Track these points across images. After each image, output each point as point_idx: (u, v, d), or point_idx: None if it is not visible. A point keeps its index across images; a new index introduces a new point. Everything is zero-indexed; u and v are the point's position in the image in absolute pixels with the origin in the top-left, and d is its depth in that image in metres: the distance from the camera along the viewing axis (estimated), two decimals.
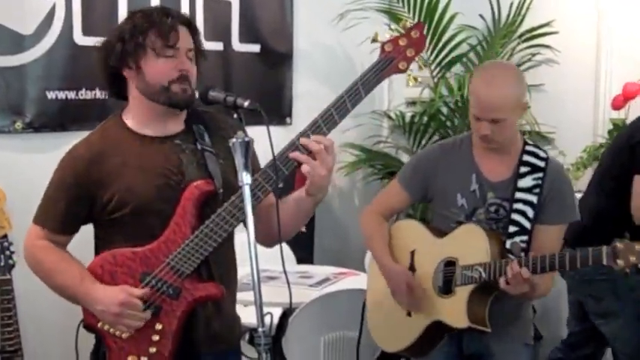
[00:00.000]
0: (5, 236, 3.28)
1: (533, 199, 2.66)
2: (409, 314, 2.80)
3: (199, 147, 2.20)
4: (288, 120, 4.73)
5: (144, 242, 2.14)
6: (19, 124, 3.65)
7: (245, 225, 2.12)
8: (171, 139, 2.21)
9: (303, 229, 4.78)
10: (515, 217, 2.67)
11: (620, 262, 2.35)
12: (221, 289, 2.15)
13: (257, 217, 2.12)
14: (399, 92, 5.14)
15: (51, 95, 3.73)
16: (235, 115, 2.00)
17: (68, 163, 2.21)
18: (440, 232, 2.78)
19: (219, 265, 2.19)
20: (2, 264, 3.24)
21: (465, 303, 2.62)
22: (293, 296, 3.28)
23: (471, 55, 4.89)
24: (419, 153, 3.11)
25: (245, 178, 1.90)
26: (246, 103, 2.01)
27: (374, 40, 2.16)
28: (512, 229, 2.67)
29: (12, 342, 3.24)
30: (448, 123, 4.67)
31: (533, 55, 4.90)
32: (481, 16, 5.08)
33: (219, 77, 4.42)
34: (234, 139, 1.92)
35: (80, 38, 3.78)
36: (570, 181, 2.81)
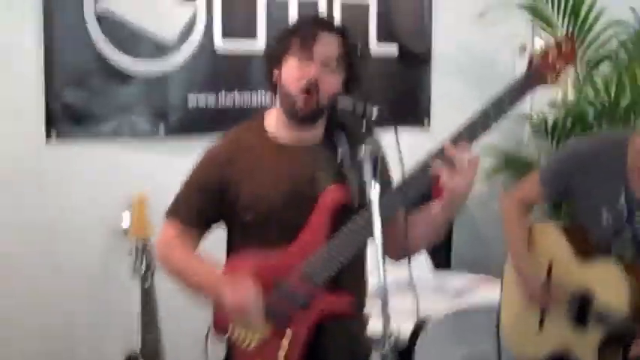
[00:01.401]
0: (147, 242, 3.36)
1: None
2: (541, 327, 2.66)
3: (339, 157, 2.16)
4: (425, 122, 4.62)
5: (272, 248, 2.12)
6: (162, 129, 3.73)
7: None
8: (308, 149, 2.19)
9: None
10: None
11: None
12: (351, 303, 2.12)
13: (391, 230, 2.10)
14: (542, 92, 4.93)
15: (192, 101, 3.79)
16: (365, 125, 1.96)
17: (204, 160, 2.25)
18: (581, 249, 2.61)
19: (349, 276, 2.14)
20: (144, 270, 3.31)
21: (597, 345, 2.49)
22: (429, 308, 3.30)
23: (621, 52, 4.62)
24: (565, 149, 2.88)
25: (373, 192, 1.88)
26: (375, 113, 1.96)
27: (522, 50, 2.07)
28: None
29: (152, 348, 3.31)
30: (595, 127, 4.43)
31: None
32: (632, 8, 4.79)
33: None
34: (363, 152, 1.90)
35: (220, 44, 3.82)
36: None
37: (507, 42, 4.55)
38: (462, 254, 4.64)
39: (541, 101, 4.81)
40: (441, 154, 1.99)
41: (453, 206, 2.05)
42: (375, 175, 1.89)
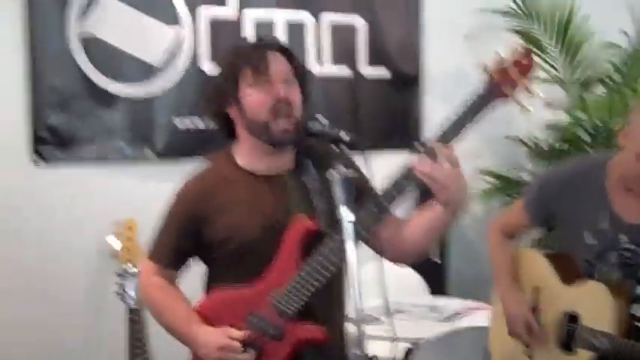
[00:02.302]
0: (136, 266, 3.32)
1: None
2: (530, 357, 2.62)
3: (308, 185, 2.14)
4: (416, 144, 4.58)
5: (249, 279, 2.10)
6: (149, 153, 3.70)
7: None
8: (280, 177, 2.16)
9: (438, 260, 4.66)
10: None
11: None
12: (324, 332, 2.08)
13: (384, 237, 2.09)
14: (538, 115, 4.91)
15: (180, 124, 3.76)
16: (337, 149, 1.94)
17: (179, 197, 2.21)
18: (566, 274, 2.56)
19: (323, 303, 2.10)
20: (134, 296, 3.27)
21: None
22: (421, 330, 3.27)
23: (615, 75, 4.60)
24: (547, 172, 2.84)
25: (345, 215, 1.84)
26: (346, 137, 1.94)
27: (485, 70, 2.03)
28: None
29: None
30: (590, 149, 4.39)
31: None
32: (625, 32, 4.79)
33: (347, 102, 4.36)
34: (333, 173, 1.86)
35: (208, 66, 3.80)
36: None
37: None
38: (459, 279, 4.59)
39: (537, 123, 4.82)
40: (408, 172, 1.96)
41: (446, 198, 1.97)
42: (346, 200, 1.86)
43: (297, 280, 2.04)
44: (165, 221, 2.23)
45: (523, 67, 1.97)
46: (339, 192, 1.86)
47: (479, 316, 3.57)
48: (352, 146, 1.97)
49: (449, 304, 3.84)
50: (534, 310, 2.63)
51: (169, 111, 3.75)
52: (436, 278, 4.45)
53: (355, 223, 1.86)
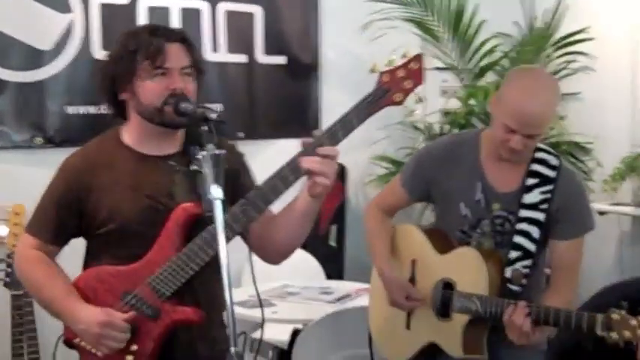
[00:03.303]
0: None
1: (540, 216, 2.49)
2: (408, 327, 2.69)
3: (192, 168, 2.14)
4: (315, 132, 4.63)
5: (128, 262, 2.10)
6: (38, 140, 3.66)
7: (244, 240, 2.12)
8: (166, 160, 2.17)
9: (333, 244, 4.73)
10: (518, 239, 2.51)
11: (613, 335, 2.19)
12: (200, 314, 2.09)
13: (256, 235, 2.12)
14: (434, 102, 5.03)
15: (71, 110, 3.73)
16: (206, 128, 1.92)
17: (61, 173, 2.20)
18: (442, 245, 2.64)
19: (204, 288, 2.13)
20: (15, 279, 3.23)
21: (461, 331, 2.51)
22: (310, 312, 3.33)
23: (505, 62, 4.74)
24: (422, 150, 2.86)
25: (214, 192, 1.84)
26: (213, 115, 1.94)
27: (372, 71, 2.05)
28: (513, 254, 2.51)
29: (24, 358, 3.23)
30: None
31: (569, 62, 4.73)
32: (516, 23, 4.94)
33: (244, 90, 4.39)
34: (203, 152, 1.87)
35: (99, 52, 3.78)
36: (585, 190, 2.62)
37: (395, 53, 4.61)
38: (355, 263, 4.67)
39: (433, 109, 4.93)
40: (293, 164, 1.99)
41: (322, 194, 2.02)
42: (216, 178, 1.86)
43: (175, 262, 2.05)
44: (46, 195, 2.20)
45: (412, 72, 2.00)
46: (207, 171, 1.86)
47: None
48: (224, 127, 1.95)
49: (340, 286, 3.92)
50: (412, 281, 2.70)
51: (60, 97, 3.72)
52: (332, 263, 4.53)
53: (225, 221, 1.86)
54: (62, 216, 2.17)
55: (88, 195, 2.13)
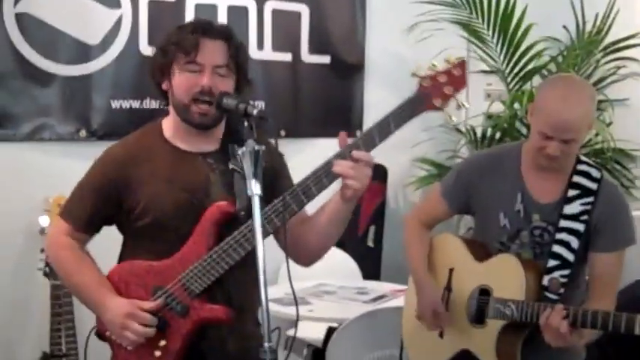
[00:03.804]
0: None
1: (580, 227, 2.47)
2: (441, 335, 2.68)
3: (230, 167, 2.15)
4: (358, 133, 4.64)
5: (162, 257, 2.12)
6: (83, 133, 3.72)
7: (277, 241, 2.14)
8: (204, 157, 2.19)
9: (371, 244, 4.72)
10: (557, 249, 2.49)
11: None
12: (229, 313, 2.10)
13: (290, 236, 2.08)
14: (478, 105, 5.00)
15: (115, 104, 3.78)
16: (246, 124, 1.93)
17: (101, 162, 2.23)
18: (480, 254, 2.63)
19: (237, 286, 2.14)
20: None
21: (495, 338, 2.49)
22: (346, 311, 3.33)
23: (552, 67, 4.68)
24: (464, 161, 2.90)
25: (254, 188, 1.84)
26: (255, 111, 1.94)
27: (414, 75, 2.03)
28: (551, 263, 2.49)
29: (62, 347, 3.29)
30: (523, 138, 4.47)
31: (618, 68, 4.66)
32: (565, 27, 4.88)
33: (288, 89, 4.41)
34: (243, 148, 1.87)
35: (146, 48, 3.82)
36: (626, 203, 2.58)
37: (441, 55, 4.58)
38: (392, 264, 4.65)
39: (477, 112, 4.89)
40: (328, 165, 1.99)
41: (354, 198, 2.03)
42: (256, 174, 1.86)
43: (206, 260, 2.07)
44: (83, 182, 2.24)
45: (454, 78, 1.99)
46: (247, 167, 1.86)
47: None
48: (265, 123, 1.96)
49: (376, 287, 3.91)
50: (448, 290, 2.69)
51: (106, 91, 3.77)
52: (370, 264, 4.52)
53: (265, 213, 1.89)
54: (98, 205, 2.19)
55: (126, 187, 2.15)
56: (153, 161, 2.17)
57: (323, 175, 1.99)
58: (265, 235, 1.99)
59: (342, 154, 1.98)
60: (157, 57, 2.18)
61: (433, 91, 1.98)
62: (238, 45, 2.18)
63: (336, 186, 2.04)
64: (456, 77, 2.00)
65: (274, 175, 2.18)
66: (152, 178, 2.15)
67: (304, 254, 2.22)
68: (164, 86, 2.18)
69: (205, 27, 2.15)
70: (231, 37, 2.17)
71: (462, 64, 2.02)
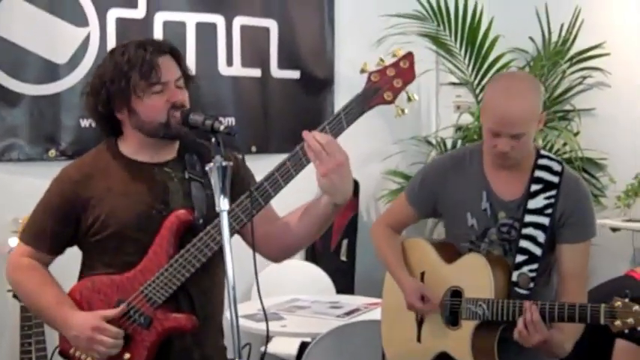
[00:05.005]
0: None
1: (545, 221, 2.50)
2: (419, 339, 2.70)
3: (187, 176, 2.18)
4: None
5: (123, 270, 2.12)
6: (52, 152, 3.71)
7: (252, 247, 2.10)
8: (161, 166, 2.19)
9: (344, 258, 4.73)
10: (524, 244, 2.52)
11: (617, 323, 2.21)
12: (193, 321, 2.10)
13: (259, 232, 2.07)
14: (448, 117, 5.04)
15: (84, 123, 3.77)
16: (213, 139, 1.91)
17: (57, 182, 2.21)
18: (449, 256, 2.65)
19: (200, 294, 2.15)
20: None
21: (470, 338, 2.51)
22: (319, 326, 3.34)
23: None
24: (427, 166, 2.89)
25: (222, 204, 1.84)
26: (222, 127, 1.93)
27: (362, 71, 2.04)
28: (519, 258, 2.52)
29: None
30: None
31: (584, 78, 4.72)
32: (531, 38, 4.94)
33: (258, 104, 4.41)
34: (211, 164, 1.86)
35: None
36: (589, 194, 2.61)
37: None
38: (365, 278, 4.67)
39: (447, 124, 4.94)
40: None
41: (331, 189, 1.96)
42: (223, 190, 1.85)
43: (167, 270, 2.06)
44: (41, 204, 2.22)
45: (403, 71, 2.00)
46: (215, 182, 1.85)
47: (377, 311, 3.65)
48: (233, 138, 1.94)
49: (350, 300, 3.92)
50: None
51: (74, 111, 3.76)
52: (343, 278, 4.53)
53: (229, 216, 1.88)
54: (57, 226, 2.18)
55: (84, 205, 2.14)
56: (109, 177, 2.16)
57: (290, 166, 1.99)
58: (232, 232, 1.97)
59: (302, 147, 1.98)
60: (107, 87, 2.12)
61: (383, 85, 1.99)
62: (182, 55, 2.20)
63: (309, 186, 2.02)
64: (404, 70, 2.00)
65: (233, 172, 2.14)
66: (109, 194, 2.14)
67: (276, 250, 2.21)
68: (119, 115, 2.16)
69: (151, 44, 2.14)
70: (175, 49, 2.19)
71: (409, 57, 2.02)
